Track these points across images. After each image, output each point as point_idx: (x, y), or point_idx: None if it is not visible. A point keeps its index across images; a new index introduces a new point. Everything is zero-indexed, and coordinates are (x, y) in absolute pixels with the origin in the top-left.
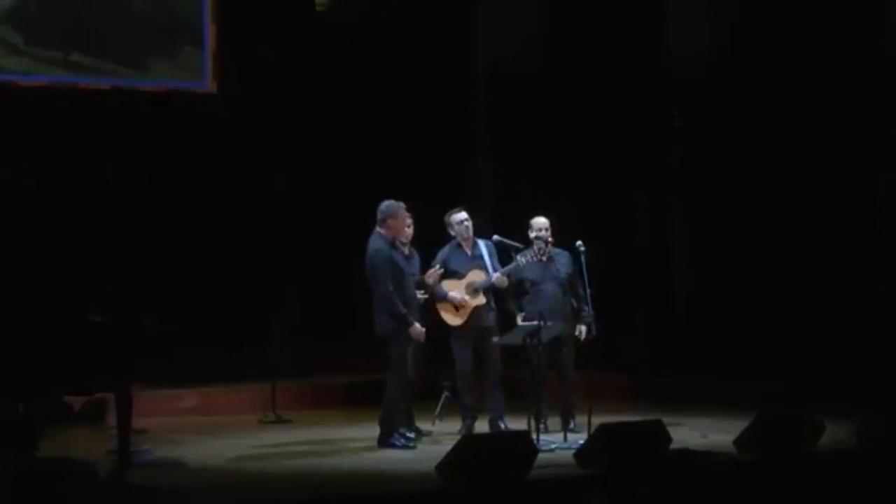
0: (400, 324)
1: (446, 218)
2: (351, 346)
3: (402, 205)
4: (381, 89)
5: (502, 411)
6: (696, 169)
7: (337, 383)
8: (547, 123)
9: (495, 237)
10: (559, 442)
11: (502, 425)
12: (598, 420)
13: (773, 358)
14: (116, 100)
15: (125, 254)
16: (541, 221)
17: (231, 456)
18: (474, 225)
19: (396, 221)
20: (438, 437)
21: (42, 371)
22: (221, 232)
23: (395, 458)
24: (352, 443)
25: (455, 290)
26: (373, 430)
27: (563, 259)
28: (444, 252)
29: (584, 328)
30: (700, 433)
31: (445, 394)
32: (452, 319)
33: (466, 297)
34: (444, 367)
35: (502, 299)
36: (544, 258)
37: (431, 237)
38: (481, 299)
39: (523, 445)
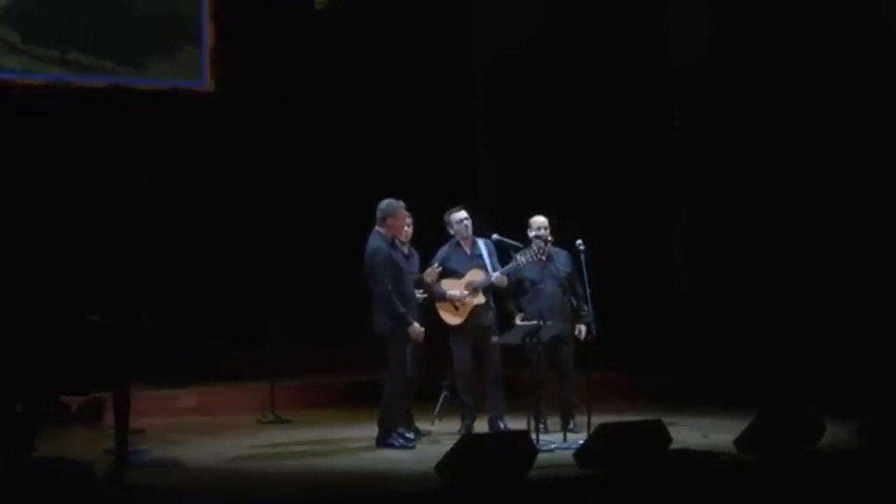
0: (399, 323)
1: (445, 217)
2: (350, 345)
3: (401, 203)
4: (380, 87)
5: (502, 411)
6: (696, 168)
7: (336, 383)
8: (546, 122)
9: (494, 236)
10: (559, 442)
11: (502, 425)
12: (597, 420)
13: (774, 357)
14: (114, 98)
15: (123, 252)
16: (540, 220)
17: (230, 456)
18: (474, 224)
19: (396, 220)
20: (437, 436)
21: (39, 370)
22: (220, 231)
23: (393, 458)
24: (351, 443)
25: (454, 289)
26: (372, 430)
27: (562, 258)
28: (443, 251)
29: (583, 327)
30: (700, 433)
31: (444, 393)
32: (452, 319)
33: (466, 297)
34: (444, 366)
35: (501, 299)
36: (543, 257)
37: (431, 236)
38: (480, 299)
39: (523, 445)
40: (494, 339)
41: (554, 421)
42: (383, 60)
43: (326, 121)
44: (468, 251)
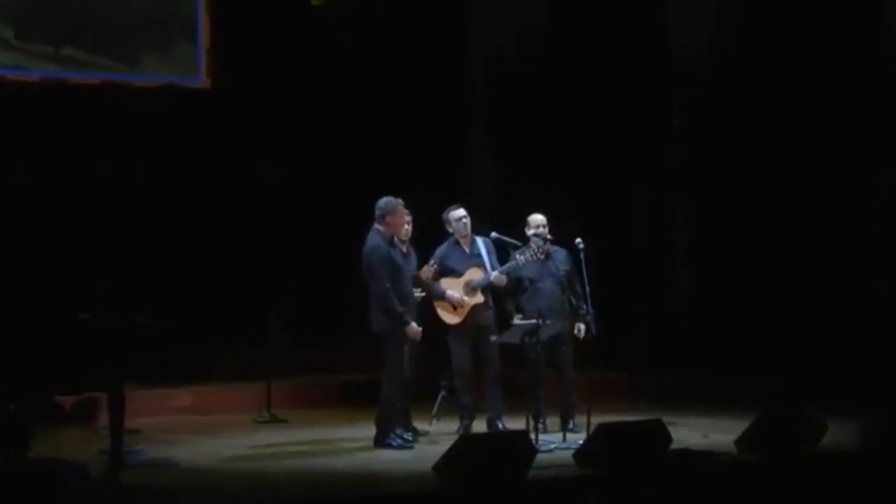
0: (396, 322)
1: (444, 215)
2: (347, 344)
3: (400, 201)
4: (377, 85)
5: (500, 411)
6: (696, 168)
7: (334, 382)
8: (546, 121)
9: (493, 234)
10: (558, 442)
11: (500, 425)
12: (597, 420)
13: (774, 357)
14: (109, 95)
15: (118, 251)
16: (538, 219)
17: (226, 456)
18: (473, 223)
19: (395, 218)
20: (436, 436)
21: (33, 370)
22: (216, 228)
23: (391, 459)
24: (348, 443)
25: (453, 288)
26: (369, 430)
27: (560, 256)
28: (441, 249)
29: (582, 326)
30: (700, 433)
31: (443, 393)
32: (450, 318)
33: (464, 296)
34: (442, 366)
35: (500, 298)
36: (542, 256)
37: (431, 236)
38: (479, 298)
39: (522, 445)
40: (493, 338)
41: (553, 421)
42: (381, 58)
43: (324, 118)
44: (467, 250)
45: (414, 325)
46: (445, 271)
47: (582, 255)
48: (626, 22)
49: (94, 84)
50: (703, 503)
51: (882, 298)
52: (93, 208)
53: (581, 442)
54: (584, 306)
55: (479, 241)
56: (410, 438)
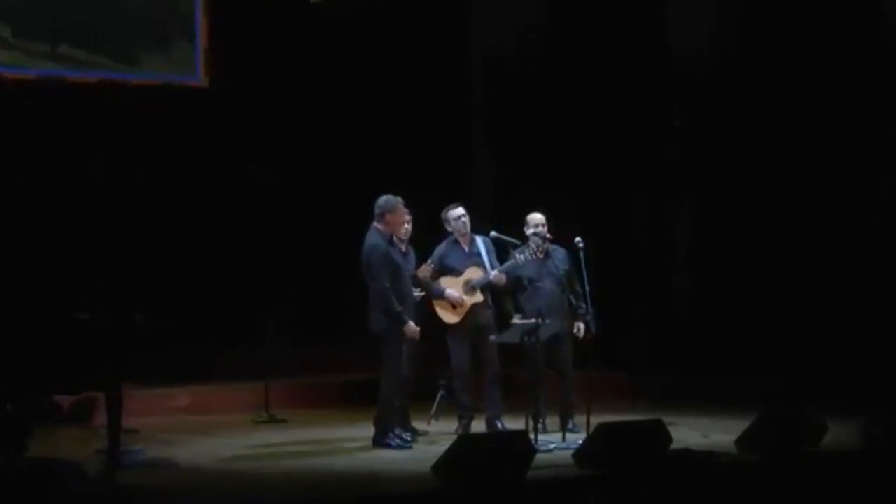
0: (394, 321)
1: (443, 214)
2: (347, 343)
3: (400, 200)
4: (377, 84)
5: (500, 411)
6: (696, 167)
7: (333, 382)
8: (546, 120)
9: (493, 233)
10: (557, 442)
11: (499, 425)
12: (597, 420)
13: (774, 357)
14: (107, 94)
15: (116, 250)
16: (537, 217)
17: (224, 456)
18: (472, 222)
19: (395, 216)
20: (435, 436)
21: (31, 370)
22: (214, 228)
23: (390, 459)
24: (347, 443)
25: (452, 287)
26: (368, 430)
27: (559, 255)
28: (441, 249)
29: (582, 326)
30: (701, 433)
31: (442, 393)
32: (449, 317)
33: (463, 295)
34: (441, 365)
35: (499, 297)
36: (541, 255)
37: (431, 236)
38: (479, 297)
39: (521, 445)
40: (492, 337)
41: (553, 421)
42: (380, 57)
43: (323, 118)
44: (466, 248)
45: (412, 324)
46: (445, 270)
47: (581, 255)
48: (626, 22)
49: (92, 83)
50: (703, 503)
51: (882, 298)
52: (91, 207)
53: (581, 442)
54: (584, 305)
55: (479, 240)
56: (409, 438)
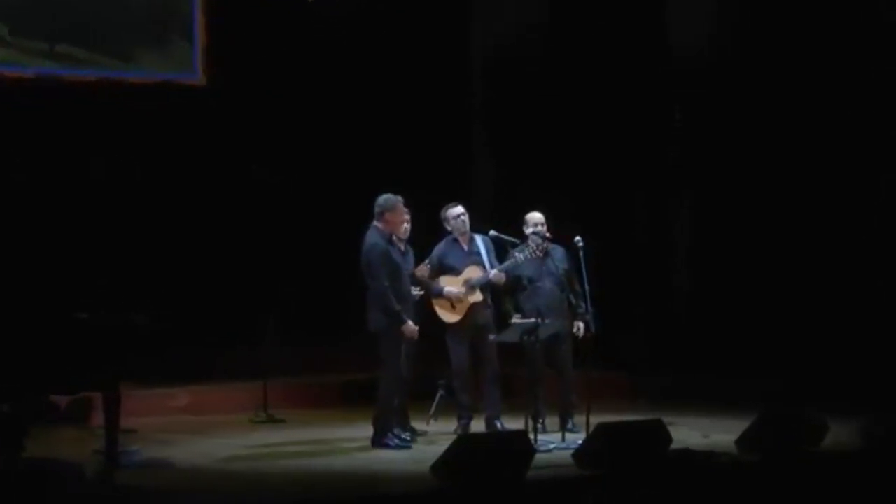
0: (393, 321)
1: (442, 213)
2: (348, 344)
3: (400, 199)
4: (376, 83)
5: (499, 410)
6: (697, 166)
7: (332, 382)
8: (546, 120)
9: (492, 232)
10: (557, 442)
11: (499, 425)
12: (596, 419)
13: (774, 357)
14: (105, 92)
15: (113, 249)
16: (536, 216)
17: (222, 456)
18: (472, 222)
19: (394, 215)
20: (434, 436)
21: (29, 370)
22: (213, 227)
23: (388, 459)
24: (345, 443)
25: (451, 286)
26: (367, 430)
27: (558, 254)
28: (440, 248)
29: (581, 325)
30: (701, 433)
31: (441, 392)
32: (448, 316)
33: (463, 293)
34: (440, 365)
35: (498, 297)
36: (541, 254)
37: (431, 236)
38: (478, 296)
39: (520, 445)
40: (492, 337)
41: (552, 420)
42: (379, 56)
43: (322, 117)
44: (465, 247)
45: (410, 323)
46: (444, 269)
47: (581, 254)
48: (625, 21)
49: (90, 81)
50: (703, 503)
51: (882, 298)
52: (88, 206)
53: (580, 442)
54: (583, 305)
55: (478, 239)
56: (408, 438)
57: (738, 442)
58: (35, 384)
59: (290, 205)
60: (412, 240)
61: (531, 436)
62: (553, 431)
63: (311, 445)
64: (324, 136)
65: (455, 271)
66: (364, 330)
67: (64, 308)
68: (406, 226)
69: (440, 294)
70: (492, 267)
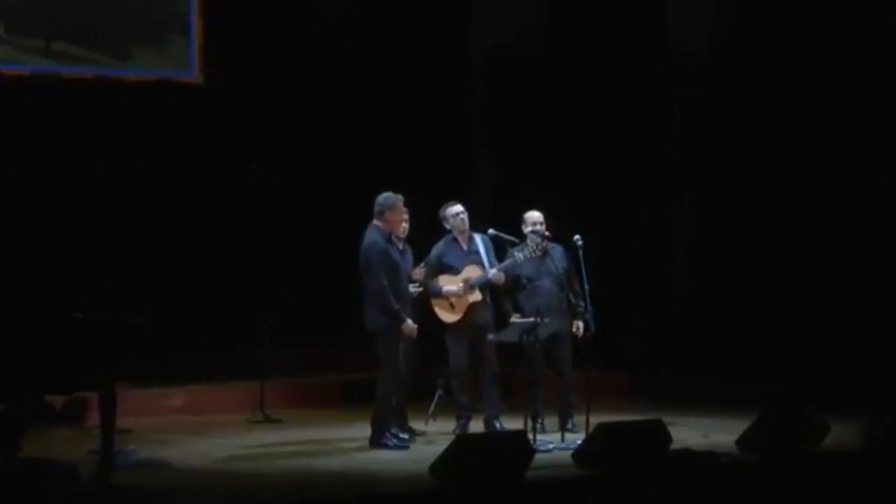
0: (391, 319)
1: (441, 211)
2: (348, 343)
3: (400, 197)
4: (375, 81)
5: (498, 410)
6: (697, 165)
7: (330, 382)
8: (546, 119)
9: (490, 231)
10: (556, 442)
11: (498, 425)
12: (596, 419)
13: (775, 357)
14: (101, 90)
15: (111, 248)
16: (535, 215)
17: (219, 456)
18: (471, 221)
19: (394, 214)
20: (432, 436)
21: (25, 369)
22: (210, 226)
23: (387, 459)
24: (343, 443)
25: (450, 285)
26: (366, 430)
27: (557, 253)
28: (439, 247)
29: (580, 324)
30: (701, 433)
31: (439, 392)
32: (447, 316)
33: (462, 291)
34: (439, 364)
35: (498, 297)
36: (540, 253)
37: (432, 236)
38: (477, 296)
39: (519, 445)
40: (491, 336)
41: (552, 420)
42: (379, 54)
43: (321, 117)
44: (465, 246)
45: (409, 321)
46: (443, 268)
47: (580, 253)
48: (625, 21)
49: (86, 78)
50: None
51: (882, 298)
52: (85, 204)
53: (580, 442)
54: (583, 304)
55: (477, 237)
56: (406, 438)
57: (739, 442)
58: (31, 384)
59: (290, 204)
60: (410, 238)
61: (530, 436)
62: (552, 431)
63: (309, 445)
64: (323, 135)
65: (454, 270)
66: (363, 329)
67: (60, 307)
68: (404, 225)
69: (439, 293)
70: (491, 266)
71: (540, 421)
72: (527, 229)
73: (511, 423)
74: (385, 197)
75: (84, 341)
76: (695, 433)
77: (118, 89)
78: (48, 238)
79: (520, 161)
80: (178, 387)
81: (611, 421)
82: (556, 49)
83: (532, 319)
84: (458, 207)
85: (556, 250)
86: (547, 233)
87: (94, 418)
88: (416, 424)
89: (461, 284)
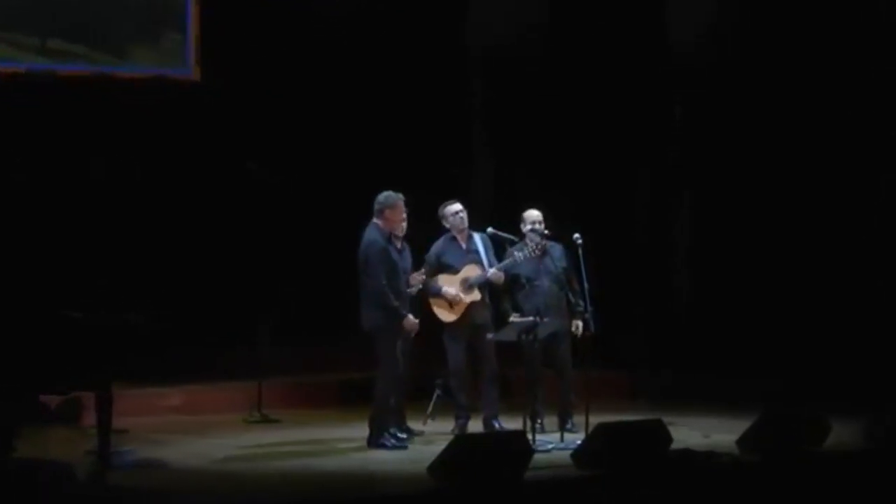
0: (389, 318)
1: (440, 210)
2: (347, 343)
3: (401, 196)
4: (374, 80)
5: (497, 410)
6: (697, 166)
7: (329, 382)
8: (546, 119)
9: (489, 229)
10: (556, 442)
11: (497, 425)
12: (596, 419)
13: (775, 357)
14: (97, 88)
15: (108, 247)
16: (534, 214)
17: (216, 457)
18: (471, 221)
19: (394, 213)
20: (431, 436)
21: (20, 369)
22: (208, 225)
23: (385, 459)
24: (341, 443)
25: (449, 285)
26: (364, 430)
27: (556, 252)
28: (438, 245)
29: (580, 324)
30: (701, 433)
31: (438, 392)
32: (446, 316)
33: (461, 293)
34: (437, 364)
35: (496, 296)
36: (539, 252)
37: (430, 234)
38: (476, 295)
39: (519, 445)
40: (490, 336)
41: (551, 420)
42: (378, 54)
43: (320, 115)
44: (464, 245)
45: (410, 317)
46: (442, 268)
47: (580, 251)
48: (625, 20)
49: (82, 76)
50: None
51: (882, 298)
52: (81, 203)
53: (579, 442)
54: (582, 303)
55: (477, 236)
56: (405, 438)
57: (740, 442)
58: (26, 384)
59: (289, 203)
60: (409, 237)
61: (529, 436)
62: (552, 431)
63: (307, 445)
64: (321, 133)
65: (453, 269)
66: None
67: (56, 307)
68: (403, 224)
69: (438, 293)
70: (490, 265)
71: (539, 421)
72: (525, 228)
73: (510, 423)
74: (386, 195)
75: (80, 341)
76: (695, 433)
77: (114, 87)
78: (44, 236)
79: (520, 161)
80: (175, 386)
81: (610, 421)
82: (555, 49)
83: (531, 319)
84: (457, 206)
85: (556, 249)
86: (546, 231)
87: (90, 418)
88: (415, 424)
89: (460, 286)
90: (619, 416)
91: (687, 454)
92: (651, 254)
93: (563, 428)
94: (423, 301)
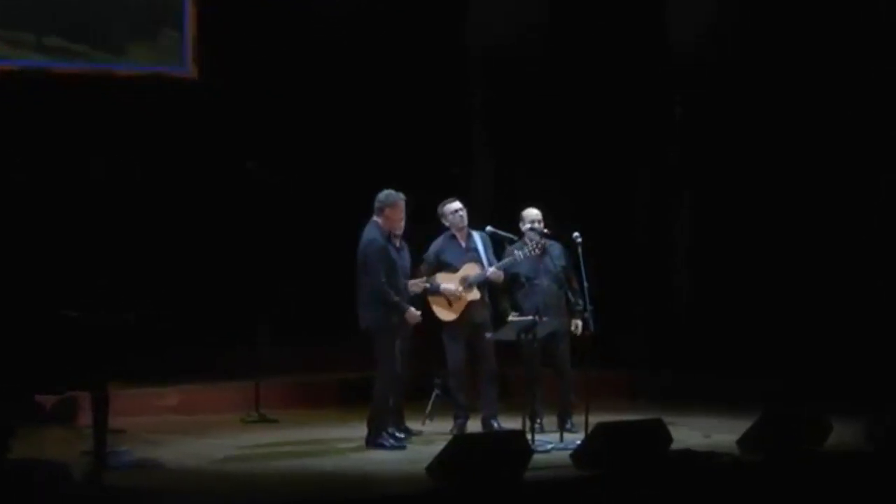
0: (389, 315)
1: (439, 208)
2: (347, 343)
3: (401, 195)
4: (374, 80)
5: (496, 410)
6: (697, 166)
7: (327, 381)
8: (546, 119)
9: (489, 228)
10: (555, 442)
11: (496, 424)
12: (595, 419)
13: (775, 357)
14: (94, 85)
15: (106, 246)
16: (533, 213)
17: (213, 457)
18: (473, 220)
19: (395, 212)
20: (429, 436)
21: (16, 369)
22: (207, 224)
23: (383, 459)
24: (339, 443)
25: (448, 283)
26: (362, 430)
27: (555, 251)
28: (437, 244)
29: (579, 323)
30: (702, 433)
31: (436, 392)
32: (445, 314)
33: (460, 292)
34: (436, 363)
35: (496, 295)
36: (539, 251)
37: (429, 233)
38: (475, 294)
39: (518, 445)
40: (489, 335)
41: (550, 420)
42: (378, 53)
43: (319, 115)
44: (463, 244)
45: (412, 309)
46: (441, 266)
47: (579, 250)
48: (625, 20)
49: (79, 73)
50: None
51: (882, 298)
52: (78, 201)
53: (579, 442)
54: (582, 302)
55: (476, 235)
56: (403, 438)
57: (740, 442)
58: (22, 383)
59: (288, 203)
60: (408, 236)
61: (529, 436)
62: (551, 431)
63: (305, 445)
64: (321, 133)
65: (452, 268)
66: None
67: (54, 307)
68: (401, 223)
69: (437, 291)
70: (490, 264)
71: (538, 421)
72: (525, 227)
73: (509, 423)
74: (386, 194)
75: (76, 340)
76: (695, 433)
77: (111, 85)
78: (43, 236)
79: (519, 160)
80: (171, 386)
81: (610, 421)
82: (555, 49)
83: (530, 318)
84: (457, 204)
85: (555, 248)
86: (545, 230)
87: (86, 418)
88: (414, 424)
89: (459, 284)
90: (618, 416)
91: (687, 454)
92: (651, 254)
93: (562, 428)
94: (423, 300)
